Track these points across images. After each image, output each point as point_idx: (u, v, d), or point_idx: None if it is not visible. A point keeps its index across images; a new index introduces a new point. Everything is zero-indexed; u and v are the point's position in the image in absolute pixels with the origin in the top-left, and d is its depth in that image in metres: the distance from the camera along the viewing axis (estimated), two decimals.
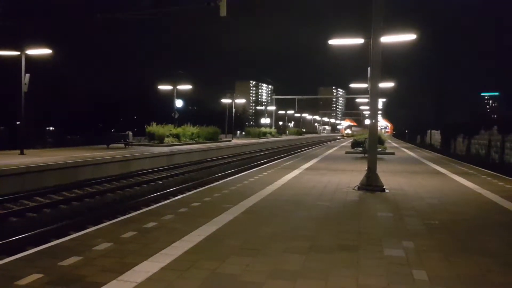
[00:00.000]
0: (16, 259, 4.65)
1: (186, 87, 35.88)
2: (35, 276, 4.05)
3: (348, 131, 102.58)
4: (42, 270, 4.22)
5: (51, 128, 71.53)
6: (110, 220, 7.43)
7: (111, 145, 24.77)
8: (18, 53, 18.20)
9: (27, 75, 18.07)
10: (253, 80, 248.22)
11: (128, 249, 4.97)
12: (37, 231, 8.30)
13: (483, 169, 15.77)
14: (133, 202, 11.52)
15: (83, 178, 15.41)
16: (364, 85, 23.87)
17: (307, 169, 15.06)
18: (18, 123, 33.45)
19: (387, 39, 11.59)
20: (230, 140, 41.53)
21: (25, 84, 18.04)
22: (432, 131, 45.02)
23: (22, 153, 18.15)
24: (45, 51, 18.61)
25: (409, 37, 11.65)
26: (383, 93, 34.53)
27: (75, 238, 5.54)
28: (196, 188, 12.46)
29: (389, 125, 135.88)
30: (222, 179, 13.63)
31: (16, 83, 18.65)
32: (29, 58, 18.44)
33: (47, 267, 4.33)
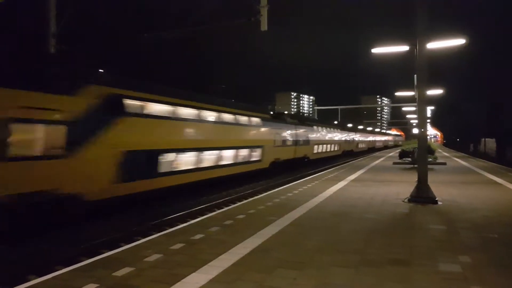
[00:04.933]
0: (73, 269, 4.87)
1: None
2: (91, 286, 4.23)
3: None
4: (97, 280, 4.39)
5: None
6: (158, 232, 7.62)
7: None
8: None
9: None
10: (294, 92, 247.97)
11: (177, 261, 5.07)
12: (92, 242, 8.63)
13: None
14: (179, 214, 11.74)
15: None
16: (411, 93, 23.14)
17: (352, 180, 14.74)
18: None
19: (434, 45, 11.19)
20: None
21: None
22: (486, 139, 42.88)
23: None
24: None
25: (458, 41, 11.17)
26: (431, 100, 33.26)
27: (126, 250, 5.73)
28: (240, 201, 12.53)
29: (438, 133, 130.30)
30: (265, 192, 13.63)
31: None
32: None
33: (101, 277, 4.50)
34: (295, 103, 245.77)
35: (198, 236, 6.33)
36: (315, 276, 4.48)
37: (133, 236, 9.22)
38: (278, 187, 13.74)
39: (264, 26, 14.45)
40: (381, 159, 30.86)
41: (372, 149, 63.20)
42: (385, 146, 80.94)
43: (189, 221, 8.57)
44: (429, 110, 38.70)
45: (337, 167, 23.40)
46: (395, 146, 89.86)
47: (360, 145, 54.05)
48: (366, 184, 13.33)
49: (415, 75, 10.67)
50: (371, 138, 66.18)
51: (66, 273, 4.74)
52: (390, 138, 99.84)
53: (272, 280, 4.35)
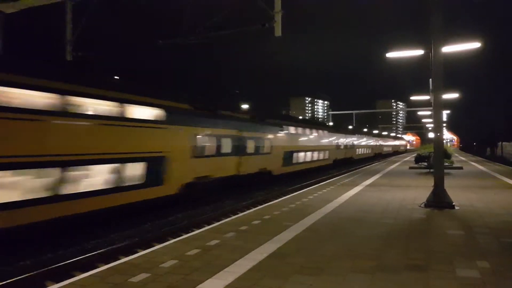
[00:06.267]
0: (90, 275, 4.93)
1: (243, 106, 36.69)
2: None
3: None
4: (114, 286, 4.45)
5: None
6: (174, 238, 7.68)
7: None
8: None
9: None
10: (308, 96, 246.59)
11: (193, 266, 5.10)
12: (108, 248, 8.76)
13: None
14: (195, 220, 11.80)
15: None
16: (426, 97, 22.88)
17: (368, 185, 14.62)
18: None
19: (449, 48, 11.08)
20: None
21: None
22: (504, 143, 42.13)
23: None
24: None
25: (473, 45, 11.05)
26: (447, 104, 32.82)
27: (142, 256, 5.78)
28: (255, 206, 12.53)
29: (455, 138, 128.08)
30: (280, 197, 13.60)
31: None
32: None
33: (118, 283, 4.55)
34: (309, 108, 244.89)
35: (213, 242, 6.36)
36: (332, 282, 4.45)
37: (149, 242, 9.29)
38: (293, 193, 13.71)
39: (278, 32, 14.47)
40: (397, 163, 30.52)
41: (348, 161, 38.10)
42: (376, 155, 54.91)
43: (204, 226, 8.63)
44: (445, 114, 38.08)
45: (353, 171, 23.24)
46: (395, 153, 70.11)
47: (317, 156, 28.78)
48: (382, 189, 13.20)
49: (430, 80, 10.58)
50: (345, 140, 37.56)
51: (83, 279, 4.80)
52: (389, 142, 71.49)
53: (288, 286, 4.34)
